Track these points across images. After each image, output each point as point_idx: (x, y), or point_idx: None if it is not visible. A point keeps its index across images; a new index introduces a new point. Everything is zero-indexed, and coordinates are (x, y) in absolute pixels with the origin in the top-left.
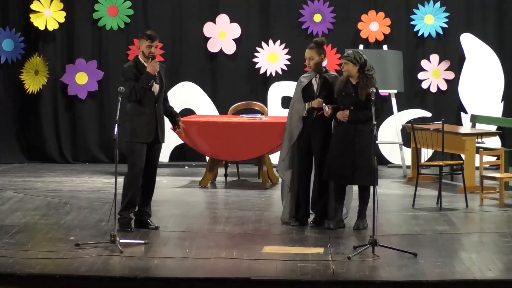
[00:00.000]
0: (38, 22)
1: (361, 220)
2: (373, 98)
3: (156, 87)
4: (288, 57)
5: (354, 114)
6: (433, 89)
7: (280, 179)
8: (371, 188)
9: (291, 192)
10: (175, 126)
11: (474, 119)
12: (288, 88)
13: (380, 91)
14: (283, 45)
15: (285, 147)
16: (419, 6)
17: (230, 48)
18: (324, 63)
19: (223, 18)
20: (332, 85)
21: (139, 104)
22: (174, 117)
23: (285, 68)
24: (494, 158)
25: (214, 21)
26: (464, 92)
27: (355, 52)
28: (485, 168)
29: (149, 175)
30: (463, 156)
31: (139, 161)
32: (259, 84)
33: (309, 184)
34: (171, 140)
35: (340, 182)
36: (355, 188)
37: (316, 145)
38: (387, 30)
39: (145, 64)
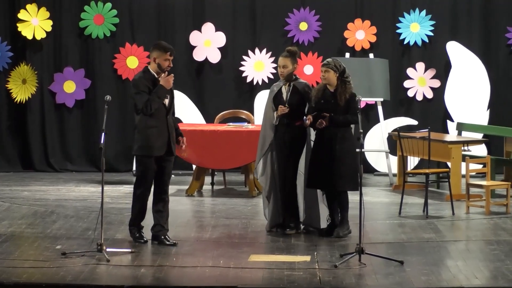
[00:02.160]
0: (26, 31)
1: (341, 227)
2: (359, 106)
3: (167, 100)
4: (274, 65)
5: (334, 119)
6: (419, 97)
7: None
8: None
9: (267, 200)
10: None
11: (460, 127)
12: None
13: (366, 99)
14: (269, 53)
15: (258, 155)
16: (405, 14)
17: (215, 57)
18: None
19: (208, 27)
20: (301, 93)
21: (150, 116)
22: (176, 134)
23: (271, 76)
24: (480, 166)
25: (199, 30)
26: (450, 100)
27: (334, 60)
28: (471, 176)
29: (162, 189)
30: (449, 164)
31: (150, 175)
32: (246, 93)
33: (294, 191)
34: None
35: (321, 189)
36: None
37: (297, 153)
38: (373, 39)
39: (156, 75)
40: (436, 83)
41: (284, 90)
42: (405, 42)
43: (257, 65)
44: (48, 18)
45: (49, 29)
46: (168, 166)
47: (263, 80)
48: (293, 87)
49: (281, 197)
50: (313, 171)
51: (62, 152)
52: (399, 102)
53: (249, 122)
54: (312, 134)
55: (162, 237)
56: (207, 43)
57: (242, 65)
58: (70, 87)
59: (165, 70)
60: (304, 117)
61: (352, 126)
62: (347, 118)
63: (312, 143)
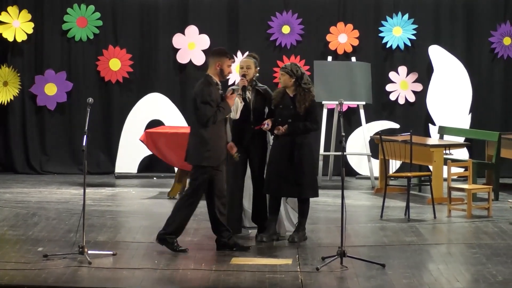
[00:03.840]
0: (7, 33)
1: (297, 233)
2: (340, 110)
3: None
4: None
5: (293, 126)
6: (401, 101)
7: None
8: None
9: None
10: None
11: (442, 130)
12: None
13: (348, 102)
14: None
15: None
16: (388, 18)
17: (199, 59)
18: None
19: (192, 30)
20: (265, 97)
21: (218, 127)
22: None
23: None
24: (462, 170)
25: (183, 33)
26: (432, 104)
27: (292, 65)
28: (453, 180)
29: (213, 198)
30: (431, 167)
31: (204, 186)
32: None
33: (241, 197)
34: (139, 151)
35: (280, 196)
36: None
37: (254, 159)
38: (356, 42)
39: (218, 82)
40: (418, 87)
41: (248, 94)
42: (388, 45)
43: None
44: (29, 21)
45: (30, 31)
46: (223, 175)
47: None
48: (257, 92)
49: (234, 201)
50: (272, 178)
51: (43, 154)
52: (381, 106)
53: None
54: (270, 139)
55: (232, 242)
56: (191, 45)
57: None
58: (51, 89)
59: (226, 76)
60: (265, 122)
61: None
62: (307, 126)
63: (269, 148)
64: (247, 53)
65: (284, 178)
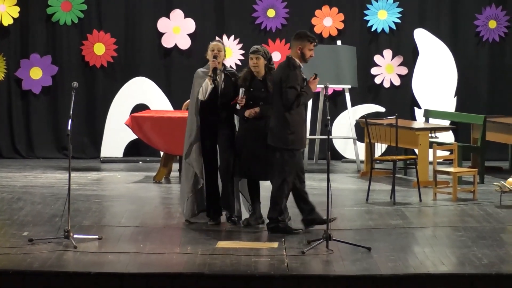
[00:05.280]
0: None
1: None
2: (325, 94)
3: None
4: (242, 52)
5: (265, 108)
6: (387, 84)
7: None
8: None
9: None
10: None
11: (428, 114)
12: None
13: (334, 86)
14: (237, 40)
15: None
16: (373, 1)
17: (185, 44)
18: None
19: (177, 14)
20: (233, 81)
21: (300, 111)
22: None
23: (239, 63)
24: (447, 153)
25: (168, 17)
26: (418, 87)
27: (262, 47)
28: (439, 163)
29: (302, 178)
30: (416, 150)
31: (295, 169)
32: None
33: (217, 182)
34: (125, 135)
35: (252, 178)
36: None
37: (222, 142)
38: (341, 26)
39: (301, 65)
40: (404, 70)
41: (218, 78)
42: (373, 29)
43: (226, 52)
44: (15, 5)
45: (16, 15)
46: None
47: (230, 67)
48: (225, 76)
49: (210, 187)
50: (247, 160)
51: (28, 139)
52: (366, 89)
53: None
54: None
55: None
56: (176, 29)
57: None
58: (36, 73)
59: (307, 60)
60: (241, 91)
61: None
62: None
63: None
64: (224, 36)
65: (259, 160)
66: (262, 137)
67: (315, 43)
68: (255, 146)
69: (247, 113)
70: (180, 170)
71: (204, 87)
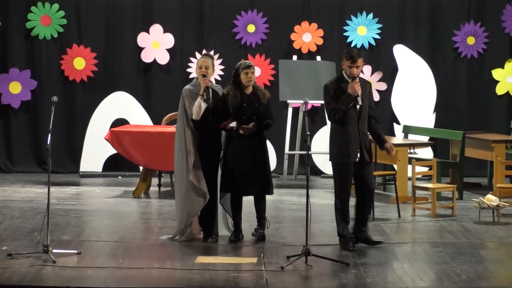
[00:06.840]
0: None
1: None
2: (305, 109)
3: (358, 106)
4: (222, 67)
5: (258, 123)
6: None
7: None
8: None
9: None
10: (382, 149)
11: (407, 130)
12: None
13: (313, 101)
14: (217, 55)
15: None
16: (352, 17)
17: (163, 59)
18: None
19: (156, 28)
20: (220, 97)
21: (341, 124)
22: (381, 142)
23: (218, 78)
24: (426, 169)
25: (148, 31)
26: (397, 103)
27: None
28: (418, 179)
29: (362, 195)
30: (395, 166)
31: (346, 182)
32: None
33: (217, 197)
34: (104, 150)
35: (247, 194)
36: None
37: (208, 159)
38: (320, 41)
39: (348, 80)
40: (383, 86)
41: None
42: (352, 45)
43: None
44: None
45: None
46: (365, 173)
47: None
48: (213, 91)
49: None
50: (238, 177)
51: (8, 153)
52: None
53: None
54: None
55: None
56: (156, 44)
57: (190, 67)
58: (16, 88)
59: (349, 77)
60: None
61: None
62: (269, 123)
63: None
64: (204, 51)
65: (251, 177)
66: (254, 153)
67: (351, 61)
68: (247, 162)
69: (242, 130)
70: (160, 185)
71: (197, 107)
